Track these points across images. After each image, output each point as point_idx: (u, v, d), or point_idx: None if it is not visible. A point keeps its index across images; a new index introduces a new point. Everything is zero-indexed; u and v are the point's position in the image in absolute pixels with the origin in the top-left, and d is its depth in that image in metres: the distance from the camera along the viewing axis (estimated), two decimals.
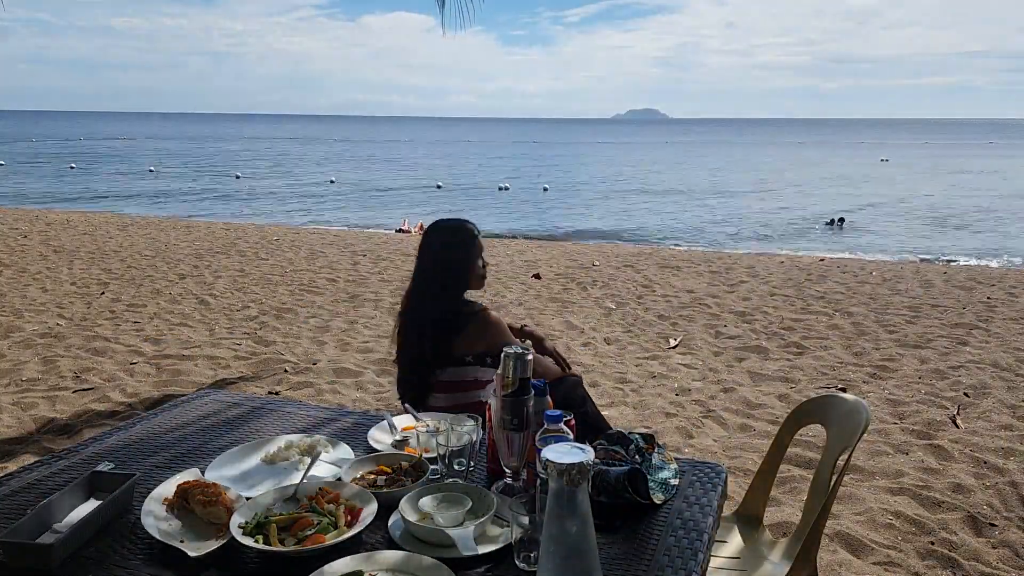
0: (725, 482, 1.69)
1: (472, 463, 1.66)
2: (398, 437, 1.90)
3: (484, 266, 2.57)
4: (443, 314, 2.46)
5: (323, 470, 1.70)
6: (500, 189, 25.34)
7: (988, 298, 7.49)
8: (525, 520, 1.28)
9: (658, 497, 1.57)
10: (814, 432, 3.72)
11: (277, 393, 4.51)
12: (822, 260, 10.53)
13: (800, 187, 26.49)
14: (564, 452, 1.10)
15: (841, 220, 17.63)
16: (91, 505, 1.52)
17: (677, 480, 1.63)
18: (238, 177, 29.57)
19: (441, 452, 1.63)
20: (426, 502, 1.49)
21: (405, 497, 1.50)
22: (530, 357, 1.57)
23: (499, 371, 1.57)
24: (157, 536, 1.39)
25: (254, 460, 1.77)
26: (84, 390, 4.50)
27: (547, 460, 1.09)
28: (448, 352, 2.45)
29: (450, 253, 2.51)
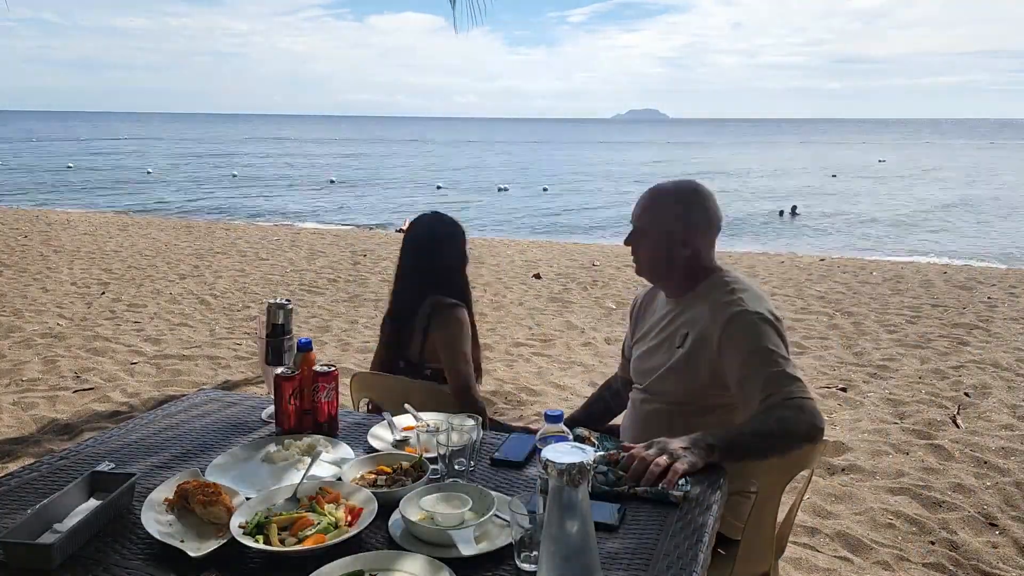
0: (725, 482, 1.68)
1: (472, 463, 1.66)
2: (398, 437, 1.90)
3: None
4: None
5: (323, 470, 1.70)
6: (500, 189, 25.33)
7: (988, 298, 7.49)
8: (525, 520, 1.28)
9: (682, 492, 1.57)
10: None
11: None
12: (822, 260, 10.53)
13: (778, 184, 26.60)
14: (564, 452, 1.10)
15: (794, 209, 17.83)
16: (91, 505, 1.52)
17: (688, 486, 1.62)
18: (235, 176, 29.59)
19: (441, 452, 1.63)
20: (426, 502, 1.49)
21: (405, 497, 1.49)
22: (291, 307, 1.99)
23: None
24: (157, 536, 1.39)
25: (254, 460, 1.77)
26: (84, 390, 4.50)
27: (547, 460, 1.09)
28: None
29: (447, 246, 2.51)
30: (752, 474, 1.88)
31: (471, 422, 1.69)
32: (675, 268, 2.04)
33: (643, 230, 2.04)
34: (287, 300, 2.02)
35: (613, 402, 2.40)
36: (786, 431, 1.74)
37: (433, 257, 2.47)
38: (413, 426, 1.95)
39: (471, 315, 2.48)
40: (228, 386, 4.66)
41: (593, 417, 2.35)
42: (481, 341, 2.64)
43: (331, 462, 1.74)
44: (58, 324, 6.04)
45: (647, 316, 2.21)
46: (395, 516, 1.48)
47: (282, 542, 1.37)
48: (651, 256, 2.05)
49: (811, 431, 1.75)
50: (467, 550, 1.35)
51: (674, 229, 1.99)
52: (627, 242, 2.08)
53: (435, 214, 2.57)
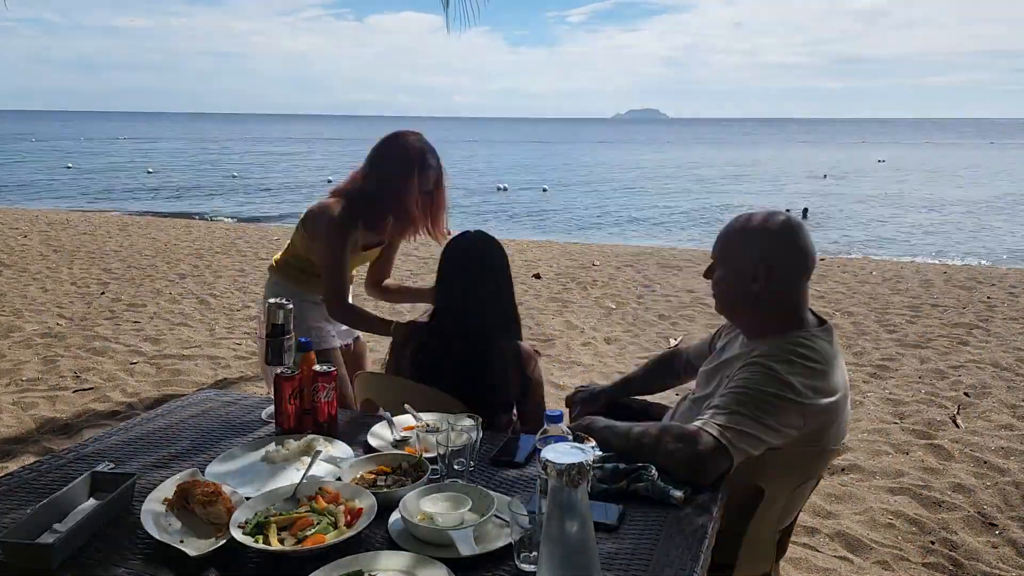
0: (725, 483, 1.68)
1: (472, 463, 1.66)
2: (398, 437, 1.90)
3: None
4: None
5: (323, 470, 1.70)
6: (499, 189, 25.31)
7: (988, 298, 7.49)
8: (525, 520, 1.28)
9: (680, 493, 1.57)
10: None
11: None
12: (822, 260, 10.53)
13: (773, 183, 26.61)
14: (564, 452, 1.10)
15: (805, 211, 17.76)
16: (91, 505, 1.52)
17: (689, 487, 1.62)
18: (235, 176, 29.60)
19: (441, 452, 1.63)
20: (426, 502, 1.49)
21: (405, 497, 1.50)
22: (290, 306, 1.98)
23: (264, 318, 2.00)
24: (157, 536, 1.39)
25: (254, 460, 1.77)
26: (84, 390, 4.50)
27: (547, 460, 1.09)
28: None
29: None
30: (758, 478, 1.87)
31: (471, 422, 1.69)
32: (749, 307, 1.89)
33: (719, 264, 1.92)
34: (287, 300, 2.01)
35: (668, 380, 2.46)
36: (668, 459, 1.65)
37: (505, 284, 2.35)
38: (413, 426, 1.95)
39: None
40: (227, 386, 4.66)
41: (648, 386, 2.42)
42: None
43: (330, 462, 1.75)
44: (58, 324, 6.04)
45: (724, 345, 2.10)
46: (395, 516, 1.48)
47: (282, 542, 1.37)
48: (725, 292, 1.93)
49: (689, 475, 1.63)
50: (467, 550, 1.35)
51: (750, 265, 1.83)
52: (705, 275, 1.98)
53: (481, 233, 2.38)
